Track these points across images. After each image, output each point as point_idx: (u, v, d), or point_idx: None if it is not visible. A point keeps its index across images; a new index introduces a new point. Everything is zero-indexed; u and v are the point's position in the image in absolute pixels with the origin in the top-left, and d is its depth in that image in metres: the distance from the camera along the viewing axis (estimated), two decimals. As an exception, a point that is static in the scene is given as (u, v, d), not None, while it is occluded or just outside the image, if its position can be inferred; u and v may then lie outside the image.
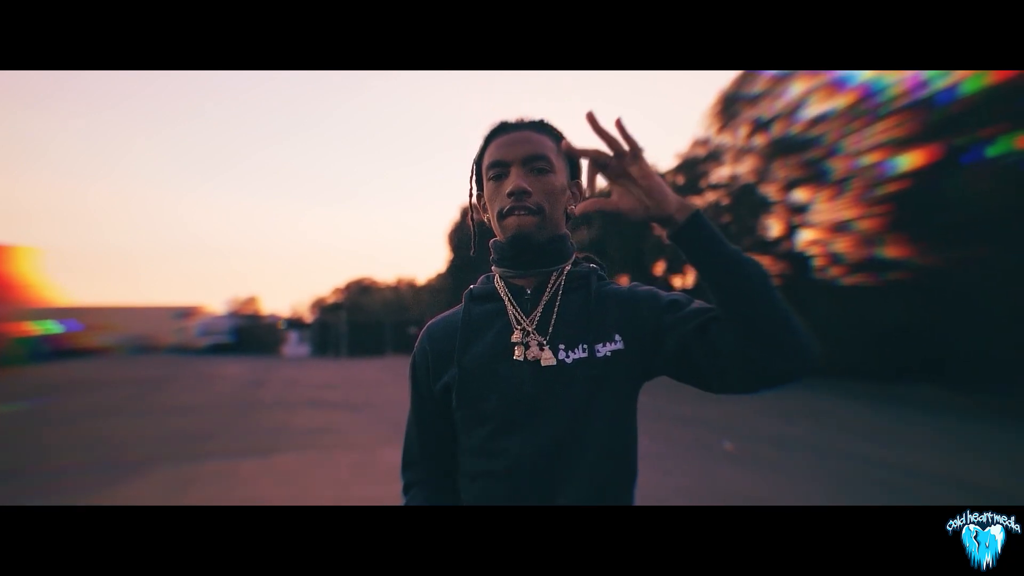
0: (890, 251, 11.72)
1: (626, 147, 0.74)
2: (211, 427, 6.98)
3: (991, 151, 8.33)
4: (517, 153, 0.85)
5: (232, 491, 4.17)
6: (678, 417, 7.00)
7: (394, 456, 5.18)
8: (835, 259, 13.02)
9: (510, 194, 0.84)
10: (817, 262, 13.41)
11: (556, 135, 0.89)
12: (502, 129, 0.89)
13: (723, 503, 3.77)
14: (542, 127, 0.89)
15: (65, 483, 4.45)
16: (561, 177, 0.87)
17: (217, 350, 30.26)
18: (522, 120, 0.90)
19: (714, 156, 15.10)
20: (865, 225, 12.23)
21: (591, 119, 0.73)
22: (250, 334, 32.15)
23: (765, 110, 13.97)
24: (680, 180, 15.37)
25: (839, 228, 12.81)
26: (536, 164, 0.85)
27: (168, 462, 5.10)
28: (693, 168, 15.29)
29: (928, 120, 9.70)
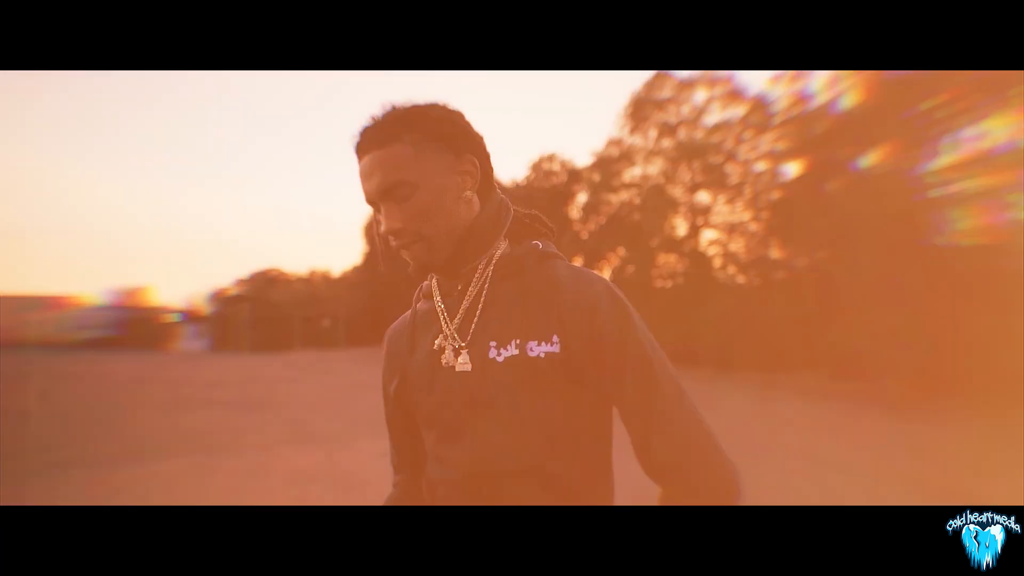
0: (776, 251, 12.92)
1: None
2: (73, 433, 6.08)
3: (864, 162, 9.36)
4: (373, 188, 0.76)
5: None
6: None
7: (294, 459, 4.74)
8: (731, 258, 14.10)
9: (386, 235, 0.78)
10: (716, 261, 14.44)
11: (408, 125, 0.75)
12: (357, 151, 0.78)
13: (637, 494, 3.84)
14: (389, 134, 0.75)
15: None
16: (433, 180, 0.75)
17: (92, 346, 27.11)
18: (368, 128, 0.77)
19: (626, 156, 15.73)
20: (756, 227, 13.38)
21: None
22: (135, 328, 29.12)
23: (673, 114, 14.76)
24: (596, 177, 15.85)
25: (735, 229, 13.90)
26: (396, 192, 0.75)
27: (18, 475, 4.33)
28: (608, 167, 15.82)
29: (810, 131, 10.72)
